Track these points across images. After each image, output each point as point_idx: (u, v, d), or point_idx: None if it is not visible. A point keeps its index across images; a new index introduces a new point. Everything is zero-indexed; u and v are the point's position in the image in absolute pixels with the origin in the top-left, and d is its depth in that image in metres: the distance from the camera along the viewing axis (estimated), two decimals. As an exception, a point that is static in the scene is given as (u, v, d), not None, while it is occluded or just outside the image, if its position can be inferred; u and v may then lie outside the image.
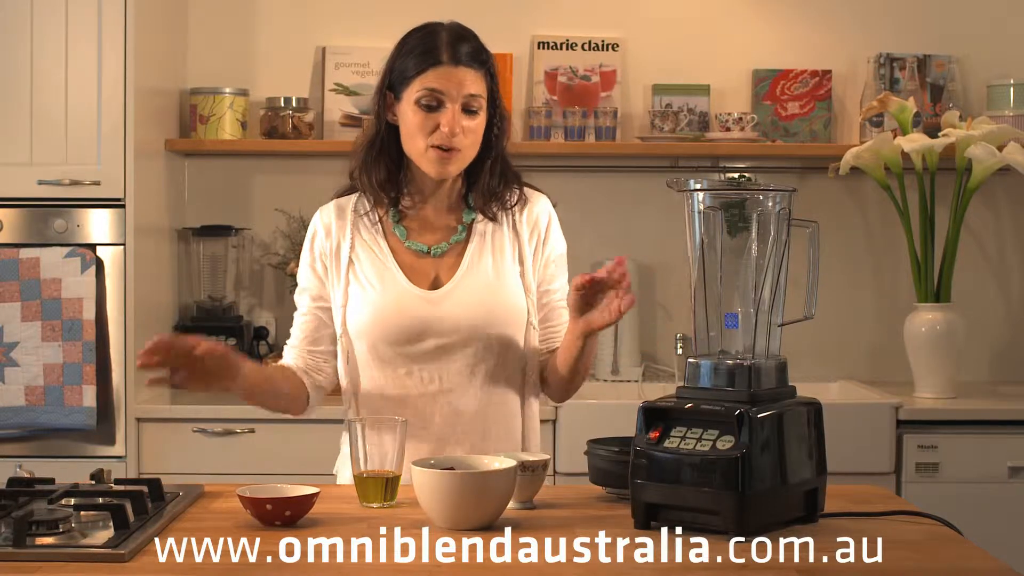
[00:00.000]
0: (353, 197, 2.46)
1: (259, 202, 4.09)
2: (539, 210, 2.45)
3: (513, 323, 2.38)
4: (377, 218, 2.42)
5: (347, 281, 2.39)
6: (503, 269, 2.39)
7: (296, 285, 2.50)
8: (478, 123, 2.35)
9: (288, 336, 2.49)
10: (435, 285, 2.39)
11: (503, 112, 2.43)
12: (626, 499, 2.05)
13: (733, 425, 1.92)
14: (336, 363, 2.43)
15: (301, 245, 2.49)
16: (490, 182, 2.41)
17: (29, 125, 3.53)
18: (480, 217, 2.42)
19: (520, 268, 2.41)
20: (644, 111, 4.10)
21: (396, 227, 2.42)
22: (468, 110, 2.33)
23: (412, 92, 2.33)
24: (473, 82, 2.33)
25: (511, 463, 2.03)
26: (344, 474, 2.43)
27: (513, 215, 2.43)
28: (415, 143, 2.34)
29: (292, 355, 2.46)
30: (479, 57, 2.35)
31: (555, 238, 2.46)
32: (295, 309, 2.48)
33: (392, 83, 2.37)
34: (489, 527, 1.96)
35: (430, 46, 2.33)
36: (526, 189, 2.46)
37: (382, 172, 2.40)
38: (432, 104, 2.31)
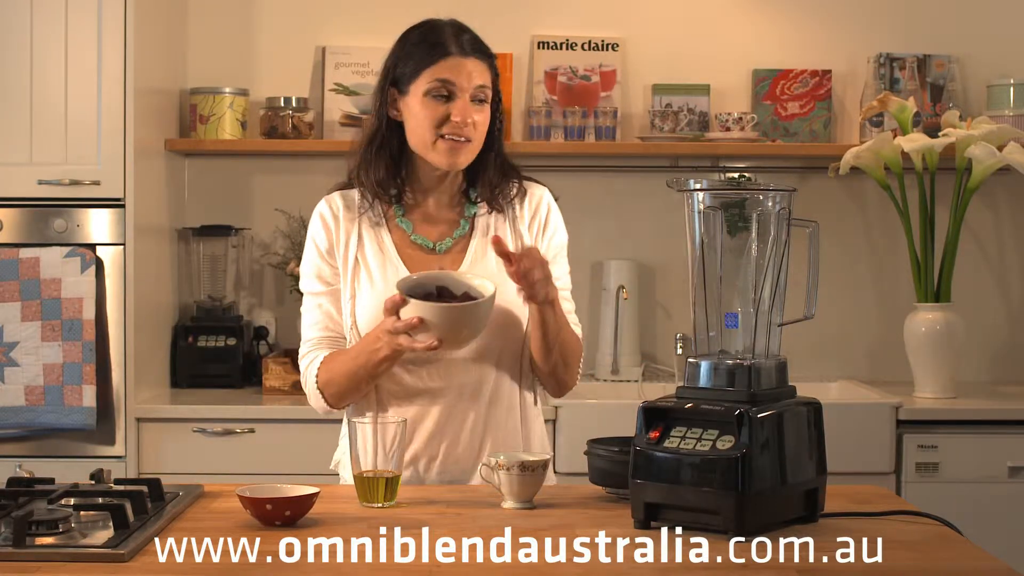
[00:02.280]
0: (356, 192, 2.45)
1: (259, 202, 4.09)
2: (539, 199, 2.47)
3: (514, 320, 2.38)
4: (380, 213, 2.42)
5: (354, 274, 2.39)
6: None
7: (297, 283, 2.48)
8: (486, 115, 2.38)
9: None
10: None
11: (503, 106, 2.45)
12: (626, 499, 2.06)
13: (733, 425, 1.92)
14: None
15: (301, 245, 2.48)
16: (492, 176, 2.42)
17: (29, 125, 3.52)
18: (482, 211, 2.43)
19: None
20: (644, 111, 4.09)
21: (401, 220, 2.42)
22: (477, 101, 2.35)
23: (421, 84, 2.34)
24: (481, 73, 2.36)
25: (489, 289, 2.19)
26: (345, 465, 2.43)
27: (514, 207, 2.44)
28: (424, 135, 2.35)
29: (321, 349, 2.39)
30: (483, 48, 2.39)
31: (555, 227, 2.47)
32: (296, 308, 2.47)
33: (396, 78, 2.38)
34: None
35: (437, 39, 2.36)
36: (526, 182, 2.47)
37: (381, 169, 2.40)
38: (443, 95, 2.33)
